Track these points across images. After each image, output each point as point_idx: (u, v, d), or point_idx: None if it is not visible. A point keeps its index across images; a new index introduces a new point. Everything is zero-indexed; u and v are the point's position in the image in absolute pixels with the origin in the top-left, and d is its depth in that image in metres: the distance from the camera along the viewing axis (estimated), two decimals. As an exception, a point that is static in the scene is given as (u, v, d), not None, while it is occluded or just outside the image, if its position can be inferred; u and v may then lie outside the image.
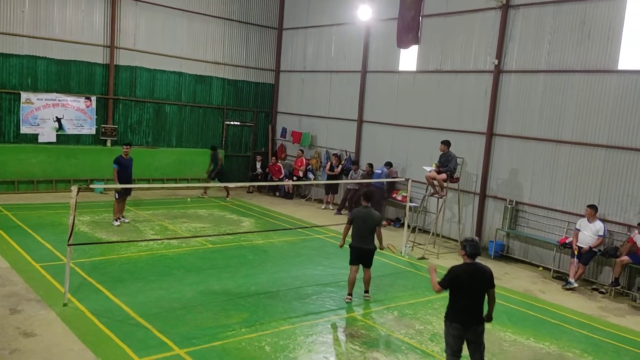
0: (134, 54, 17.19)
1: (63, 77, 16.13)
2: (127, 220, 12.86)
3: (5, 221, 12.16)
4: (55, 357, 6.11)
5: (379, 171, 15.18)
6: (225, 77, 19.32)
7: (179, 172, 18.10)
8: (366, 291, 8.96)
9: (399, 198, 15.20)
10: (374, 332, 7.66)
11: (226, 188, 17.22)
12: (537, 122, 12.35)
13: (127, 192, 12.83)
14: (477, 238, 6.10)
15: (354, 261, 8.75)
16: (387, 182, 14.79)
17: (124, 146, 12.88)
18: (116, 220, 12.58)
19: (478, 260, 6.05)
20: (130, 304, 7.87)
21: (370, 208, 8.87)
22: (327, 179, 17.07)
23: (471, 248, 5.89)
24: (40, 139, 15.93)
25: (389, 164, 15.12)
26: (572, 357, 7.43)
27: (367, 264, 8.80)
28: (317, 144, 18.59)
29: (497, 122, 13.12)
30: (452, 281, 5.87)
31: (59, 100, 16.11)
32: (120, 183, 12.29)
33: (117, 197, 12.59)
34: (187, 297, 8.38)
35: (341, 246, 9.22)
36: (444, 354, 6.06)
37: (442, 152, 12.56)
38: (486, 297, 6.03)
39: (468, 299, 5.85)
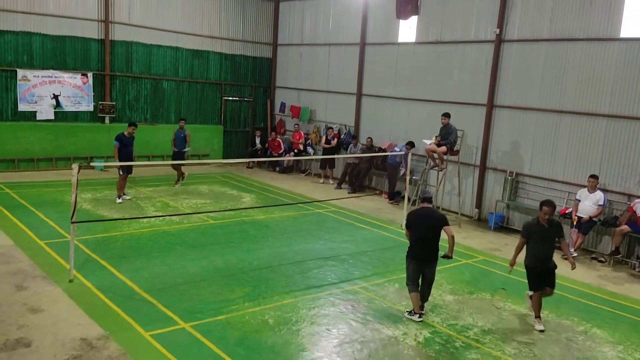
0: (129, 28, 16.96)
1: (59, 53, 15.96)
2: (128, 197, 12.89)
3: (7, 199, 12.19)
4: (62, 332, 6.21)
5: (398, 149, 14.72)
6: (223, 51, 19.11)
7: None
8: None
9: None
10: (376, 304, 7.76)
11: (179, 170, 14.88)
12: (538, 92, 12.27)
13: (130, 169, 12.79)
14: (429, 190, 8.18)
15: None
16: (405, 160, 14.21)
17: (130, 126, 12.68)
18: (119, 198, 12.61)
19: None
20: (135, 279, 7.96)
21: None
22: (324, 153, 17.05)
23: (424, 194, 7.74)
24: (39, 117, 15.86)
25: (410, 144, 14.21)
26: (570, 324, 7.54)
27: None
28: (316, 119, 18.50)
29: (498, 93, 13.03)
30: (409, 221, 7.44)
31: (56, 77, 15.98)
32: (121, 161, 12.21)
33: (121, 173, 12.56)
34: (190, 272, 8.46)
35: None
36: (406, 287, 7.50)
37: (442, 125, 12.53)
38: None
39: (422, 236, 7.26)
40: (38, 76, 15.70)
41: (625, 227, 10.37)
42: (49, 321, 6.46)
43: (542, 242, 7.33)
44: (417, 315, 7.24)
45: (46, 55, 15.78)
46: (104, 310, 6.88)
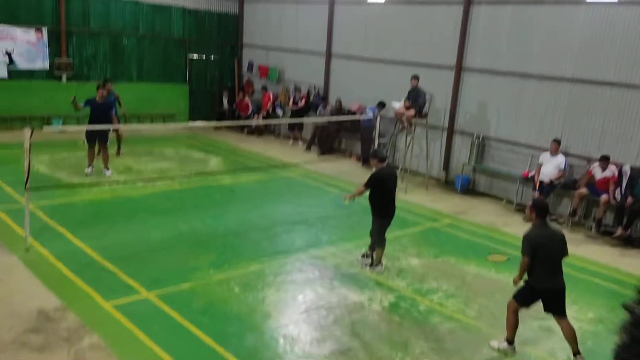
0: (85, -19, 16.06)
1: (10, 6, 15.01)
2: (108, 173, 11.44)
3: (-41, 163, 11.64)
4: (18, 303, 6.01)
5: (370, 112, 14.23)
6: (186, 6, 18.32)
7: (140, 108, 17.37)
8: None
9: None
10: (342, 269, 7.79)
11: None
12: (505, 55, 12.23)
13: (102, 137, 11.07)
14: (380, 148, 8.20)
15: None
16: (376, 122, 13.65)
17: (99, 89, 10.99)
18: (88, 167, 11.36)
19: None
20: (95, 247, 7.73)
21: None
22: (292, 114, 16.79)
23: (381, 154, 7.79)
24: (-9, 75, 15.05)
25: (382, 105, 14.09)
26: (530, 287, 7.74)
27: None
28: (285, 79, 18.11)
29: (467, 56, 12.94)
30: (378, 181, 7.46)
31: (7, 33, 15.07)
32: (90, 129, 10.85)
33: (84, 143, 11.30)
34: (154, 239, 8.29)
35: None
36: (375, 246, 7.84)
37: (412, 87, 12.42)
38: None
39: (391, 194, 7.62)
40: (-12, 32, 14.80)
41: (583, 190, 10.64)
42: (3, 292, 6.24)
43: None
44: (381, 265, 7.82)
45: (-4, 9, 14.85)
46: (61, 280, 6.68)
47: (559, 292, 5.74)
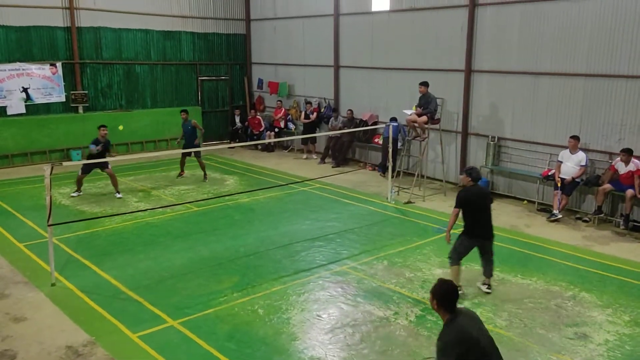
0: (96, 13, 16.37)
1: (24, 44, 15.41)
2: (119, 195, 12.16)
3: (-17, 201, 11.89)
4: (47, 340, 6.08)
5: (394, 126, 13.61)
6: (195, 30, 18.58)
7: (156, 133, 17.70)
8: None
9: (381, 142, 15.04)
10: (365, 284, 7.72)
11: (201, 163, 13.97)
12: (515, 55, 12.11)
13: (103, 165, 11.89)
14: (476, 167, 8.01)
15: None
16: (404, 131, 13.94)
17: (100, 128, 11.81)
18: (76, 192, 12.16)
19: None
20: (120, 277, 7.81)
21: None
22: (304, 127, 16.84)
23: (475, 173, 7.32)
24: (9, 112, 15.39)
25: (395, 119, 14.00)
26: (559, 290, 7.59)
27: None
28: (295, 93, 18.20)
29: (475, 58, 12.84)
30: (464, 200, 7.11)
31: (23, 69, 15.45)
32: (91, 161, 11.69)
33: (79, 173, 12.07)
34: (176, 265, 8.33)
35: None
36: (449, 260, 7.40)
37: (421, 94, 12.36)
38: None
39: (476, 215, 7.13)
40: (5, 70, 15.16)
41: (607, 186, 10.42)
42: (33, 330, 6.33)
43: None
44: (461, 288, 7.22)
45: (11, 47, 15.22)
46: (89, 313, 6.74)
47: None
